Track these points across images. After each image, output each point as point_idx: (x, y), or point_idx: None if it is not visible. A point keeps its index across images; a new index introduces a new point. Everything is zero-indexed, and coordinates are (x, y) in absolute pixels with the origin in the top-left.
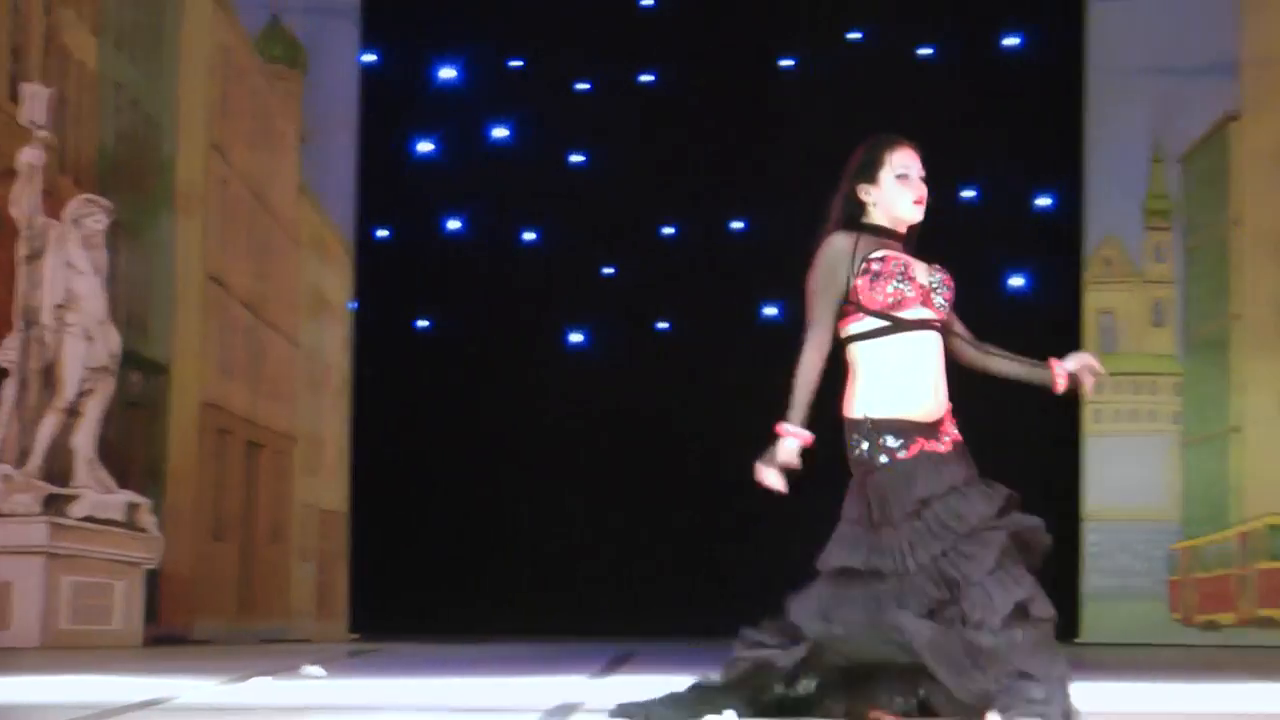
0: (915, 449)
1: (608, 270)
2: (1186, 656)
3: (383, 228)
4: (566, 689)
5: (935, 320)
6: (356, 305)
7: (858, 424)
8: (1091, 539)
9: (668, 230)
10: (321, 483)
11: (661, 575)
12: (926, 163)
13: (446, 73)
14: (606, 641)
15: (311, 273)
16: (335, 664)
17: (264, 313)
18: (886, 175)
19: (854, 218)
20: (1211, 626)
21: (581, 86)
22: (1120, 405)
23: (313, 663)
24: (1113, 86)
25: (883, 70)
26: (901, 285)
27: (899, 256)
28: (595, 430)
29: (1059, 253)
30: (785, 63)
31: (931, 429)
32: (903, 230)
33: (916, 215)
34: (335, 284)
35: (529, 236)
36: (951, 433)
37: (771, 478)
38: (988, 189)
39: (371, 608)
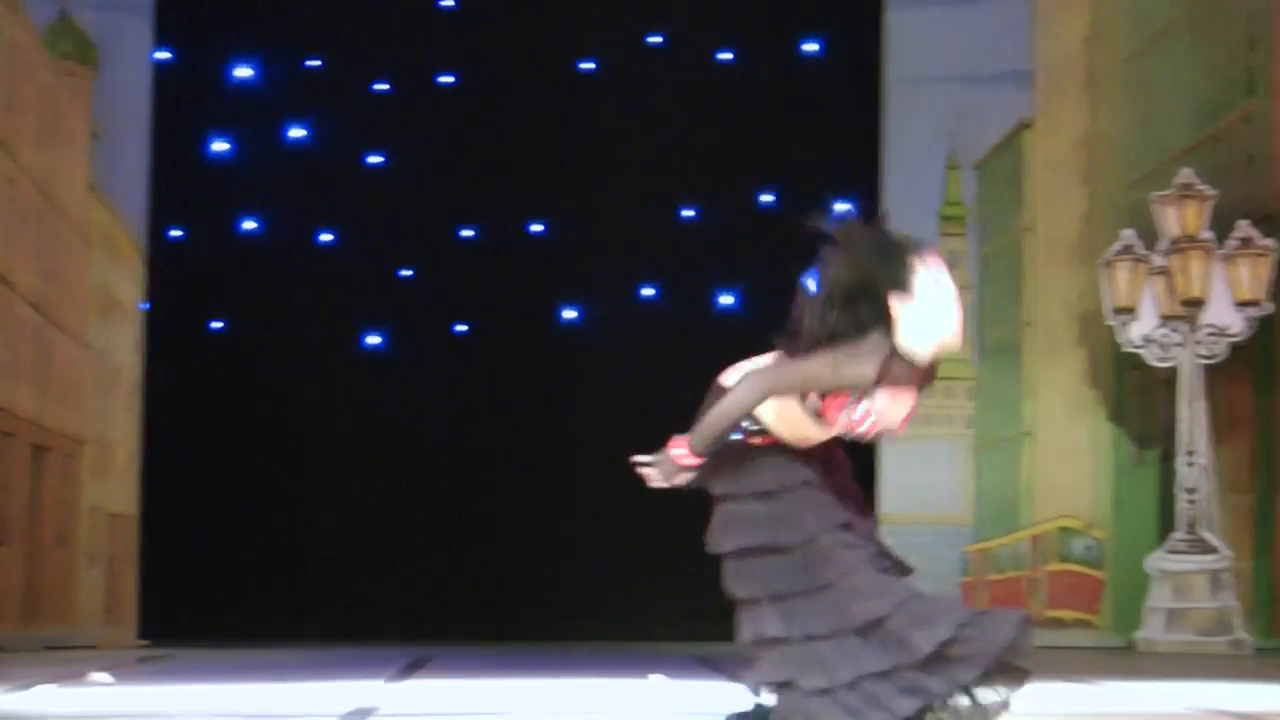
0: (769, 440)
1: (406, 272)
2: None
3: (176, 228)
4: (361, 694)
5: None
6: (148, 306)
7: (720, 391)
8: (887, 542)
9: (466, 232)
10: (111, 486)
11: (458, 579)
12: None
13: (242, 71)
14: (402, 646)
15: (101, 273)
16: (124, 671)
17: (52, 313)
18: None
19: (879, 320)
20: None
21: (380, 87)
22: (917, 409)
23: (100, 670)
24: (909, 94)
25: (683, 74)
26: (855, 420)
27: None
28: (391, 433)
29: None
30: (585, 65)
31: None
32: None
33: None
34: (126, 284)
35: (326, 237)
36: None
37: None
38: (787, 194)
39: (161, 613)
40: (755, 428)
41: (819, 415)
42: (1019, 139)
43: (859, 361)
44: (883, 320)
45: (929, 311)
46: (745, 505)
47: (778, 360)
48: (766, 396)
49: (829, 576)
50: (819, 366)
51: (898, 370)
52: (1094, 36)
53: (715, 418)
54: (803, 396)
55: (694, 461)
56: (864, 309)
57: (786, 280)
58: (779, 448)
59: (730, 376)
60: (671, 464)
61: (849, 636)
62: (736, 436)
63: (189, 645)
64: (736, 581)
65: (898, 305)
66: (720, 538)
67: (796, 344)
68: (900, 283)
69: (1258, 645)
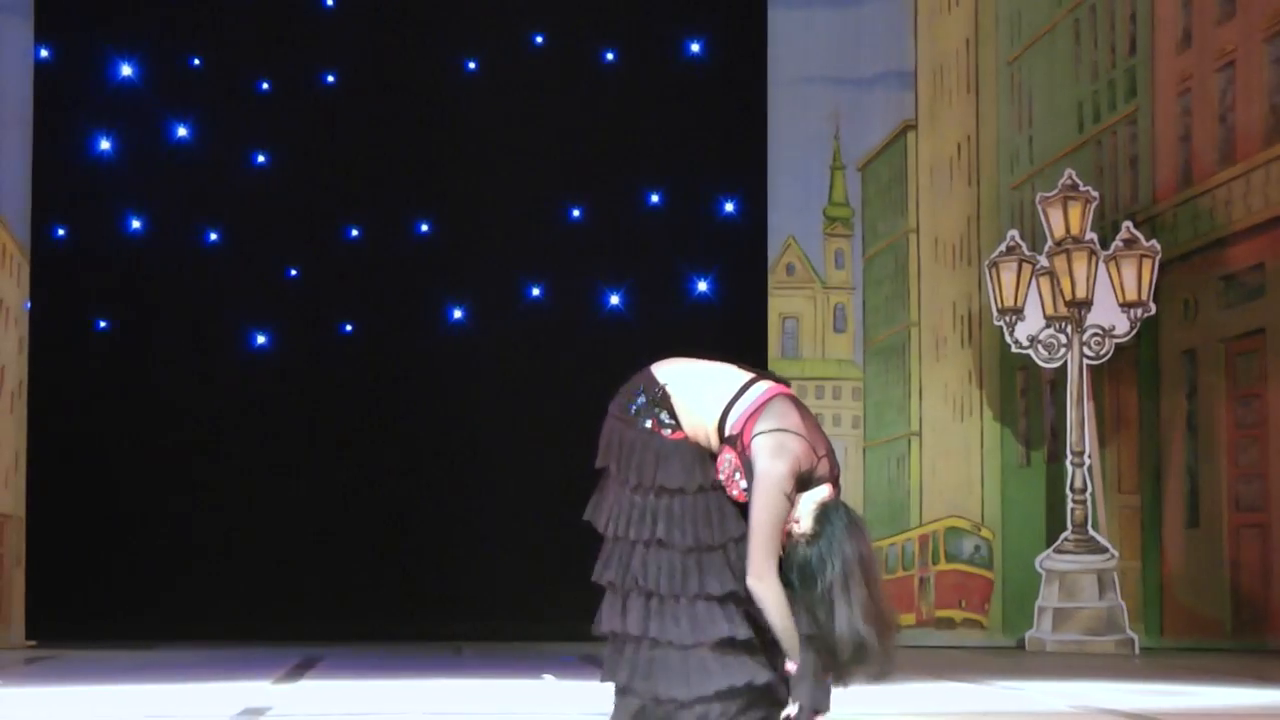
0: (680, 435)
1: (292, 272)
2: None
3: (59, 227)
4: (251, 694)
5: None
6: (31, 306)
7: (652, 383)
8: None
9: (353, 232)
10: None
11: (347, 579)
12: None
13: (124, 70)
14: (292, 647)
15: None
16: (10, 672)
17: None
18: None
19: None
20: None
21: (263, 86)
22: None
23: None
24: (793, 94)
25: (566, 73)
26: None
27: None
28: (278, 433)
29: (744, 259)
30: (469, 64)
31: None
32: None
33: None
34: (10, 284)
35: (212, 237)
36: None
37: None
38: (673, 194)
39: (48, 614)
40: (670, 423)
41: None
42: (902, 140)
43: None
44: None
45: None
46: (661, 499)
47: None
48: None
49: (713, 589)
50: (770, 500)
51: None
52: (975, 38)
53: (785, 629)
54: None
55: (824, 688)
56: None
57: (672, 279)
58: (686, 445)
59: (663, 371)
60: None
61: (705, 650)
62: (646, 424)
63: (77, 646)
64: (612, 566)
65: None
66: (628, 525)
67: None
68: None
69: (1145, 645)
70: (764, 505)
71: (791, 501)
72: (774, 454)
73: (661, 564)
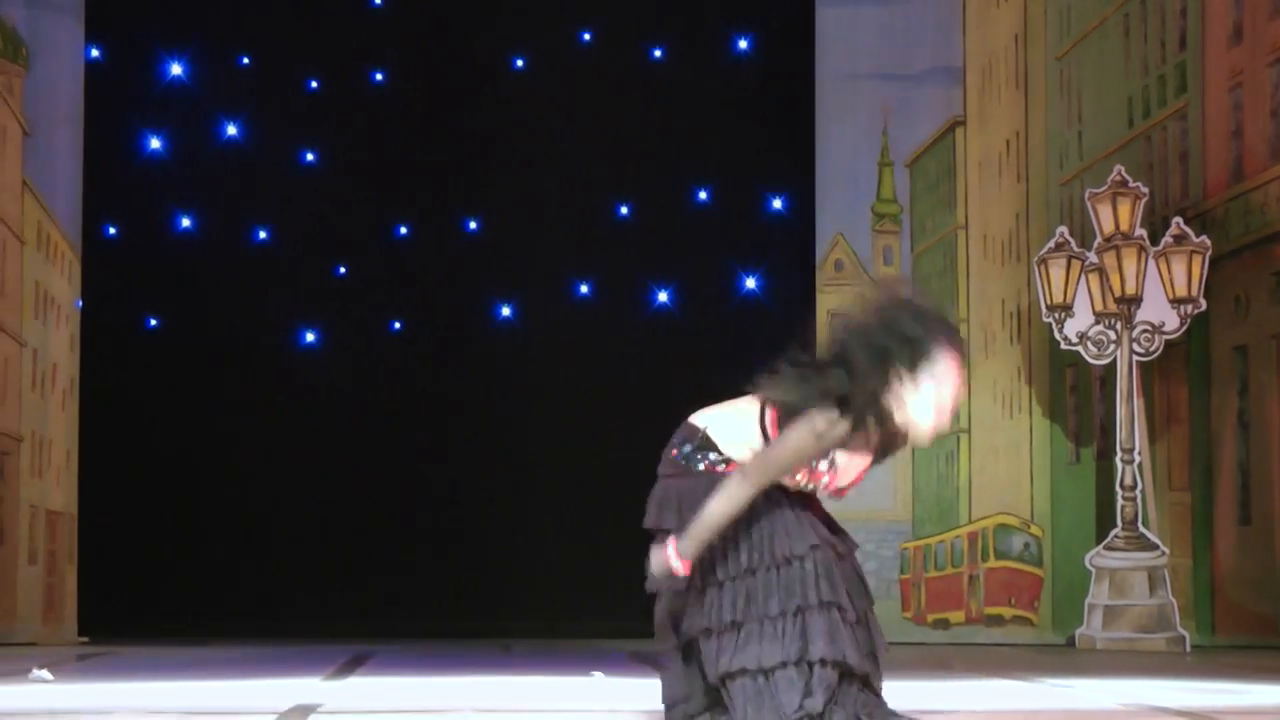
0: (734, 467)
1: (340, 270)
2: (918, 655)
3: (111, 226)
4: (301, 690)
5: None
6: (83, 304)
7: (693, 430)
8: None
9: (401, 230)
10: (49, 484)
11: (397, 576)
12: (666, 167)
13: (175, 69)
14: (342, 644)
15: (36, 270)
16: (63, 668)
17: None
18: (923, 380)
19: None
20: (942, 625)
21: (312, 85)
22: None
23: (40, 667)
24: (841, 91)
25: (614, 71)
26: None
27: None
28: (328, 431)
29: (792, 255)
30: (517, 62)
31: None
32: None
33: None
34: (61, 282)
35: (261, 235)
36: None
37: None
38: (721, 191)
39: (101, 611)
40: (720, 458)
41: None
42: (951, 136)
43: (838, 426)
44: (881, 394)
45: (930, 401)
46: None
47: (762, 430)
48: (756, 492)
49: (792, 604)
50: (802, 440)
51: (873, 439)
52: (1024, 33)
53: (706, 522)
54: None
55: (685, 566)
56: (869, 379)
57: (721, 277)
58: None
59: (700, 418)
60: (664, 568)
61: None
62: (700, 468)
63: (128, 642)
64: (710, 611)
65: (904, 386)
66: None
67: (775, 389)
68: (914, 367)
69: (1195, 642)
70: (790, 438)
71: (818, 454)
72: (809, 418)
73: (728, 595)
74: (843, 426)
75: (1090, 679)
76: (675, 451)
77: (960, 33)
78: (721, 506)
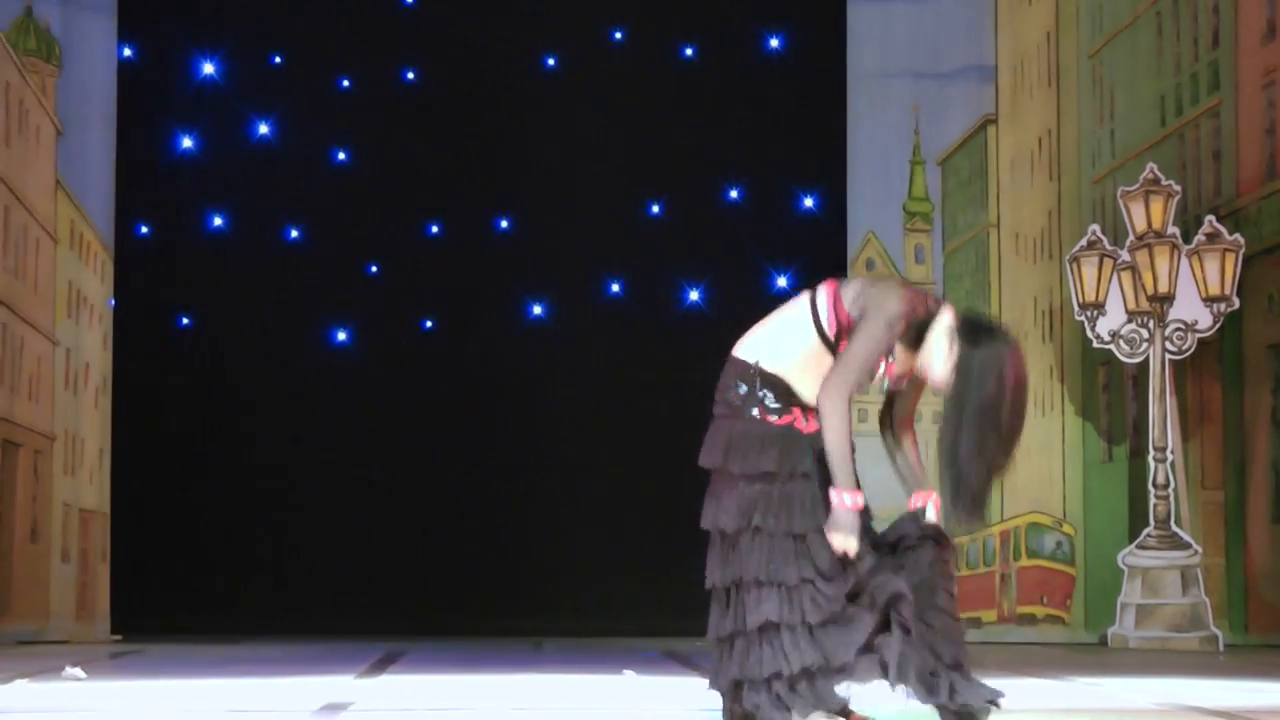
0: (787, 419)
1: (372, 268)
2: None
3: (143, 224)
4: (334, 689)
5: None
6: (116, 303)
7: (744, 368)
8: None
9: (433, 228)
10: (81, 482)
11: (429, 575)
12: (698, 165)
13: (207, 68)
14: (374, 641)
15: (69, 269)
16: (97, 666)
17: (20, 310)
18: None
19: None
20: (974, 624)
21: (344, 83)
22: None
23: (74, 665)
24: (873, 89)
25: (646, 69)
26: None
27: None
28: (360, 429)
29: (824, 254)
30: (548, 61)
31: (812, 410)
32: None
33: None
34: (94, 281)
35: (293, 234)
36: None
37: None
38: (752, 189)
39: (134, 609)
40: (775, 406)
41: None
42: (983, 134)
43: (900, 315)
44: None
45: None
46: (758, 485)
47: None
48: (851, 398)
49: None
50: (877, 329)
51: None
52: (1056, 31)
53: (836, 456)
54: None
55: (855, 496)
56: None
57: (752, 275)
58: (791, 432)
59: (747, 349)
60: (847, 516)
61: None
62: (754, 413)
63: (161, 640)
64: (716, 569)
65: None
66: (732, 517)
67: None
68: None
69: (1229, 642)
70: (866, 335)
71: (894, 342)
72: (883, 297)
73: (760, 550)
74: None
75: (1123, 678)
76: (730, 393)
77: (992, 30)
78: (834, 434)
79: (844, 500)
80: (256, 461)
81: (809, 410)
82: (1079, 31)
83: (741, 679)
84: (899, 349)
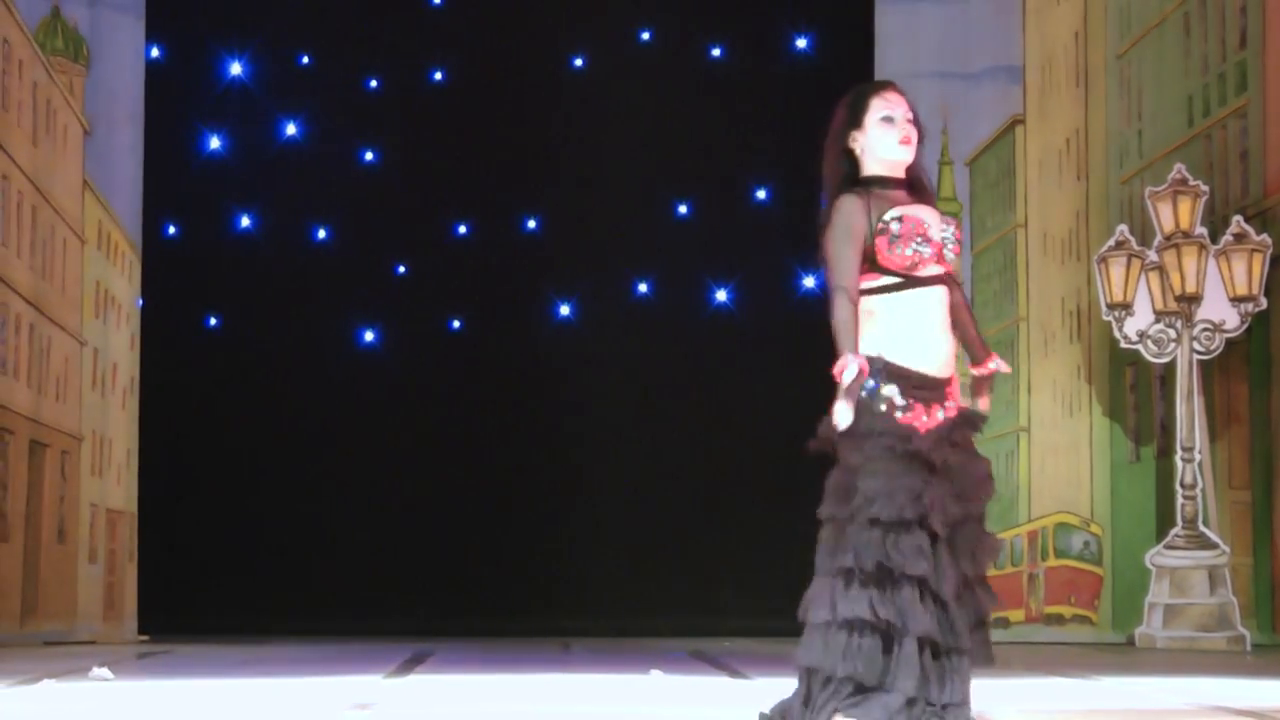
0: (909, 418)
1: (400, 268)
2: None
3: (171, 225)
4: (361, 689)
5: (945, 275)
6: (144, 303)
7: (870, 360)
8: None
9: (460, 229)
10: (109, 482)
11: (456, 575)
12: (726, 166)
13: (234, 68)
14: (401, 642)
15: (97, 269)
16: (124, 666)
17: (48, 310)
18: (871, 120)
19: (850, 172)
20: (1002, 624)
21: (371, 84)
22: None
23: (101, 665)
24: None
25: (674, 70)
26: (921, 248)
27: (915, 216)
28: (387, 429)
29: None
30: (576, 62)
31: (938, 389)
32: (900, 174)
33: (905, 155)
34: (122, 281)
35: (321, 234)
36: (956, 397)
37: (844, 410)
38: (780, 190)
39: (161, 609)
40: (902, 403)
41: (874, 272)
42: (1011, 134)
43: (842, 203)
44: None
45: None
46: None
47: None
48: (839, 293)
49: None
50: (834, 233)
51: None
52: (1084, 32)
53: (841, 332)
54: (866, 253)
55: (859, 362)
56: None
57: (780, 275)
58: (890, 425)
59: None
60: (845, 375)
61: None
62: (863, 394)
63: (188, 640)
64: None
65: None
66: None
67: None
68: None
69: (1256, 641)
70: (827, 236)
71: (854, 232)
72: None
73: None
74: (846, 201)
75: (1151, 677)
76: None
77: (1020, 31)
78: (842, 319)
79: (842, 367)
80: (284, 462)
81: (939, 386)
82: (1107, 32)
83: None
84: (908, 211)
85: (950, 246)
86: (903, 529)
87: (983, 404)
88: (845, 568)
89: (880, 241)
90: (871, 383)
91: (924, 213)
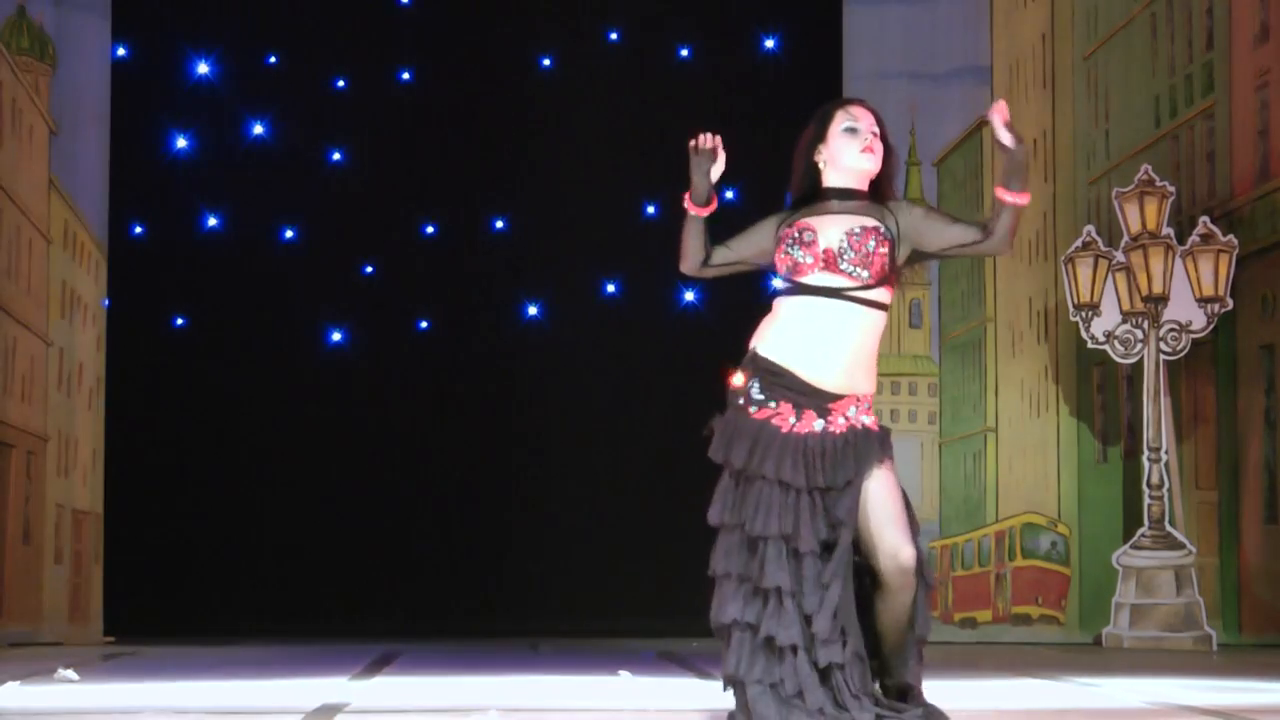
0: (767, 414)
1: (368, 269)
2: (945, 654)
3: (137, 224)
4: (328, 690)
5: (846, 289)
6: (110, 303)
7: (749, 354)
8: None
9: (428, 229)
10: (75, 483)
11: (423, 576)
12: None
13: (201, 68)
14: (369, 643)
15: (63, 269)
16: (89, 668)
17: (13, 310)
18: (834, 131)
19: (813, 185)
20: (969, 624)
21: (339, 84)
22: (880, 406)
23: (66, 667)
24: (868, 90)
25: (641, 70)
26: (793, 251)
27: (806, 222)
28: (354, 430)
29: None
30: (544, 62)
31: (820, 399)
32: (863, 185)
33: (866, 164)
34: (88, 281)
35: (288, 234)
36: (850, 416)
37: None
38: (748, 190)
39: (127, 610)
40: (759, 397)
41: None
42: (978, 135)
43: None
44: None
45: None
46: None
47: None
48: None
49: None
50: None
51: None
52: (1052, 33)
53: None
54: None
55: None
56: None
57: (748, 275)
58: (768, 427)
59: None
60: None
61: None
62: (739, 402)
63: (154, 642)
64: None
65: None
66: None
67: None
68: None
69: (1223, 641)
70: None
71: (757, 232)
72: None
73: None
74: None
75: (1117, 678)
76: (734, 379)
77: (988, 32)
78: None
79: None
80: (251, 463)
81: (819, 397)
82: (1074, 33)
83: None
84: (806, 218)
85: (849, 259)
86: (732, 530)
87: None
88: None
89: (777, 248)
90: (740, 378)
91: (829, 220)
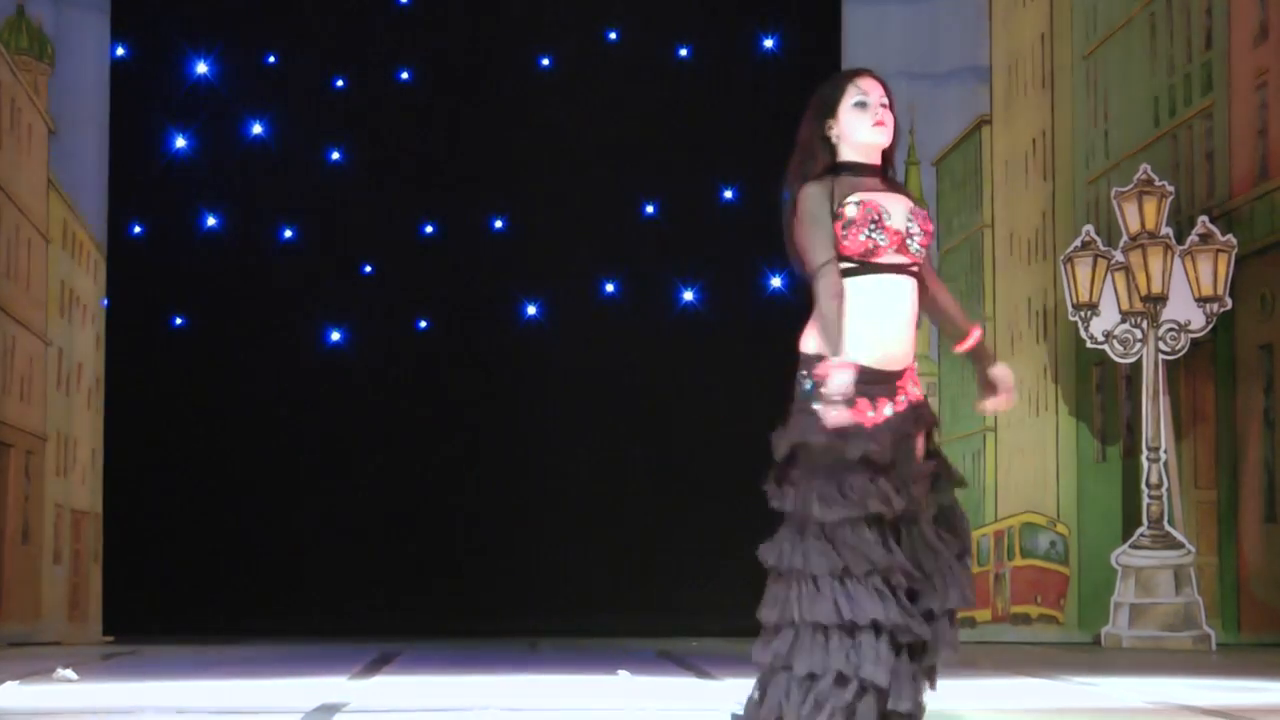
0: (853, 414)
1: (367, 268)
2: None
3: (136, 224)
4: (327, 690)
5: (909, 265)
6: (109, 303)
7: (811, 359)
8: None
9: (428, 228)
10: (74, 483)
11: (422, 575)
12: (693, 166)
13: (200, 68)
14: (368, 643)
15: (62, 269)
16: (88, 667)
17: (12, 310)
18: (844, 106)
19: (829, 161)
20: (968, 623)
21: (338, 83)
22: None
23: (65, 666)
24: None
25: (641, 69)
26: (875, 234)
27: (874, 201)
28: (354, 429)
29: None
30: (543, 61)
31: (889, 382)
32: (875, 160)
33: (878, 138)
34: (87, 281)
35: (287, 234)
36: (910, 391)
37: (838, 413)
38: (748, 190)
39: (125, 610)
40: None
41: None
42: (977, 135)
43: (808, 190)
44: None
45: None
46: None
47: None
48: (822, 271)
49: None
50: (800, 218)
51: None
52: (1051, 32)
53: (828, 326)
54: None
55: (838, 365)
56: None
57: (747, 275)
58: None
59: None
60: (834, 379)
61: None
62: (807, 388)
63: (153, 641)
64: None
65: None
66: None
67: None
68: (829, 107)
69: (1222, 640)
70: (797, 229)
71: (816, 217)
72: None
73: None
74: (809, 188)
75: (1116, 677)
76: (800, 387)
77: (987, 32)
78: (828, 309)
79: (832, 371)
80: (250, 462)
81: (889, 380)
82: (1073, 33)
83: None
84: (867, 197)
85: (916, 239)
86: (848, 526)
87: (998, 371)
88: (797, 570)
89: (836, 226)
90: (810, 384)
91: (888, 200)
